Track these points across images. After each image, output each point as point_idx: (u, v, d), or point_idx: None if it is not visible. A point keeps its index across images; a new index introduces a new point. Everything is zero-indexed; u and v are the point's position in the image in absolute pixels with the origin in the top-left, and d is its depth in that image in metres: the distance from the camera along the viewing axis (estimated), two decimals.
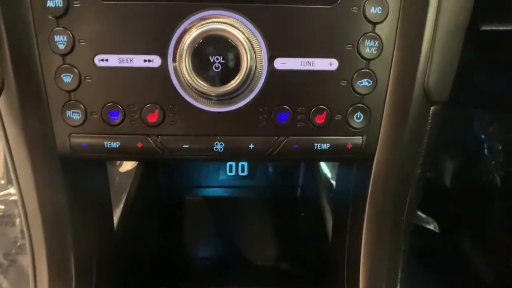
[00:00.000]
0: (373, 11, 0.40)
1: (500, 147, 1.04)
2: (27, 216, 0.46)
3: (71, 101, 0.41)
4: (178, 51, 0.39)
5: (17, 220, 1.06)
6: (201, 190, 0.83)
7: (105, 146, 0.42)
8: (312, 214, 0.75)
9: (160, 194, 0.83)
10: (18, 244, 0.98)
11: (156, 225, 0.81)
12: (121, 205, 0.66)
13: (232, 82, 0.39)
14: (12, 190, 1.14)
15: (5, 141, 0.44)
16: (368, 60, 0.41)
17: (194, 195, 0.83)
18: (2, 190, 1.11)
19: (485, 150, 1.05)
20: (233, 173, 0.84)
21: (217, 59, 0.39)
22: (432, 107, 0.44)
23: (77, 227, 0.48)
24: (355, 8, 0.40)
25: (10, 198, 1.12)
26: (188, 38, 0.38)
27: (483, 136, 1.06)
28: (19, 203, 0.48)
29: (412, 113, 0.43)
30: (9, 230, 1.04)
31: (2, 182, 1.13)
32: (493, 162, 1.04)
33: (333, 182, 0.76)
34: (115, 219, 0.64)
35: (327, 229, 0.68)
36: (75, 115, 0.41)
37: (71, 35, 0.39)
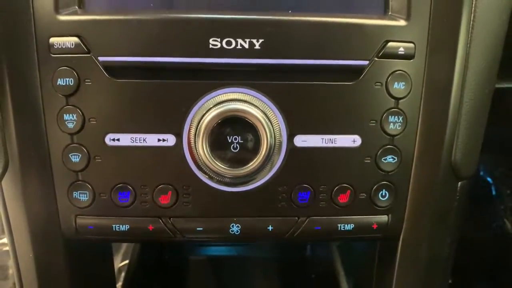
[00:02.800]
0: (396, 86, 0.38)
1: (508, 191, 1.02)
2: None
3: (79, 182, 0.39)
4: (195, 130, 0.37)
5: (10, 272, 1.01)
6: (207, 249, 0.79)
7: (113, 229, 0.39)
8: (324, 276, 0.72)
9: (163, 254, 0.79)
10: None
11: None
12: (123, 274, 0.62)
13: (251, 163, 0.37)
14: (5, 240, 1.09)
15: (5, 219, 0.42)
16: (392, 136, 0.39)
17: (199, 254, 0.79)
18: None
19: (494, 194, 1.03)
20: None
21: (235, 139, 0.37)
22: (459, 183, 0.41)
23: None
24: (378, 83, 0.38)
25: (4, 249, 1.07)
26: (206, 118, 0.37)
27: (490, 180, 1.04)
28: (17, 283, 0.45)
29: (439, 189, 0.41)
30: (1, 284, 0.99)
31: None
32: (502, 207, 1.02)
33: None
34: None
35: None
36: (83, 196, 0.39)
37: (81, 113, 0.37)
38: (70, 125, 0.38)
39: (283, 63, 0.37)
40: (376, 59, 0.38)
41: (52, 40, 0.37)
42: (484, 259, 0.98)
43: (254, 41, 0.37)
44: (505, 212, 1.01)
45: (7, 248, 1.05)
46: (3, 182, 0.40)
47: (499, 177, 1.02)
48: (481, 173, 1.03)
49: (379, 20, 0.38)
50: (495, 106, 0.44)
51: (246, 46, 0.37)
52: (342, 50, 0.37)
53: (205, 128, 0.36)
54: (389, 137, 0.39)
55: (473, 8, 0.38)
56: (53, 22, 0.37)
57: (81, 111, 0.37)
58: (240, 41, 0.37)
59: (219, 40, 0.37)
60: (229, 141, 0.37)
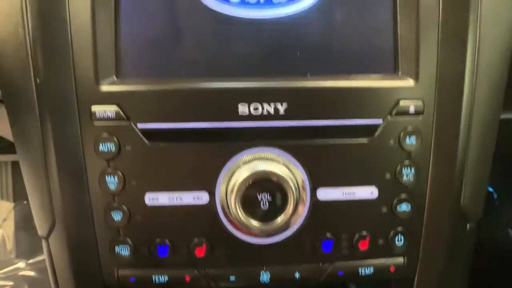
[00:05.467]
0: (408, 141, 0.42)
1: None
2: None
3: (120, 237, 0.42)
4: (226, 188, 0.41)
5: None
6: None
7: (153, 279, 0.43)
8: None
9: None
10: None
11: None
12: None
13: (279, 218, 0.41)
14: (21, 264, 1.12)
15: (52, 272, 0.45)
16: (406, 186, 0.43)
17: None
18: (10, 265, 1.09)
19: (496, 204, 1.05)
20: None
21: (264, 196, 0.40)
22: (468, 224, 0.45)
23: None
24: (391, 139, 0.42)
25: (19, 273, 1.10)
26: (237, 178, 0.40)
27: (490, 189, 1.07)
28: None
29: (449, 232, 0.44)
30: None
31: (12, 255, 1.11)
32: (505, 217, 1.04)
33: None
34: None
35: None
36: (124, 251, 0.42)
37: (122, 176, 0.41)
38: (112, 187, 0.41)
39: (305, 125, 0.41)
40: (389, 117, 0.42)
41: (94, 108, 0.40)
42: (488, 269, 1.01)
43: (279, 105, 0.40)
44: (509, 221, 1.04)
45: (23, 272, 1.08)
46: (50, 239, 0.43)
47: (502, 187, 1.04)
48: None
49: (390, 81, 0.42)
50: None
51: (272, 110, 0.40)
52: (358, 111, 0.41)
53: (237, 188, 0.40)
54: (403, 187, 0.43)
55: (475, 68, 0.42)
56: (94, 92, 0.40)
57: (122, 173, 0.41)
58: (266, 106, 0.40)
59: (246, 105, 0.40)
60: (259, 199, 0.40)
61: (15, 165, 1.06)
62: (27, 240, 1.08)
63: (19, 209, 1.11)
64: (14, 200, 1.14)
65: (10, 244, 1.13)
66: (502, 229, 1.01)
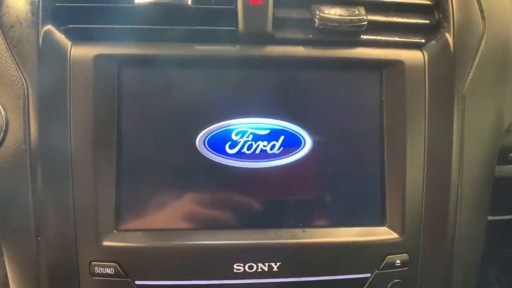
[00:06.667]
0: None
1: None
2: None
3: None
4: None
5: None
6: None
7: None
8: None
9: None
10: None
11: None
12: None
13: None
14: None
15: None
16: None
17: None
18: None
19: None
20: None
21: None
22: None
23: None
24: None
25: None
26: None
27: None
28: None
29: None
30: None
31: None
32: None
33: None
34: None
35: None
36: None
37: None
38: None
39: (298, 281, 0.43)
40: (377, 271, 0.44)
41: (93, 264, 0.41)
42: None
43: (273, 264, 0.42)
44: None
45: None
46: None
47: None
48: None
49: (378, 237, 0.44)
50: None
51: (266, 269, 0.42)
52: (349, 266, 0.44)
53: None
54: None
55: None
56: (94, 249, 0.41)
57: None
58: (260, 265, 0.42)
59: (242, 265, 0.42)
60: None
61: None
62: None
63: None
64: None
65: None
66: None
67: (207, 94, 0.44)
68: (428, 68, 0.44)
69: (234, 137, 0.44)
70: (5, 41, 0.42)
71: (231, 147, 0.44)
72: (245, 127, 0.44)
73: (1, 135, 0.42)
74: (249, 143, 0.44)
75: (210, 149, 0.44)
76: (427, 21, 0.46)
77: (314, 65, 0.45)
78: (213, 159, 0.44)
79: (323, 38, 0.44)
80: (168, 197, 0.43)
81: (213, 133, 0.44)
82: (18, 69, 0.41)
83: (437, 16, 0.46)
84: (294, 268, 0.43)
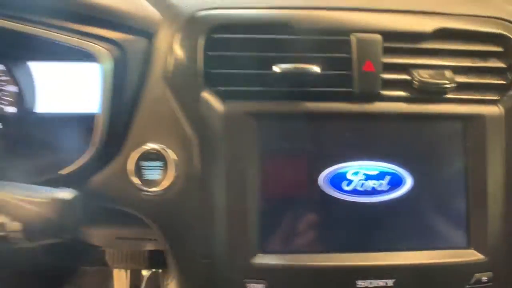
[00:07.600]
0: None
1: None
2: None
3: None
4: None
5: None
6: None
7: None
8: None
9: None
10: None
11: None
12: None
13: None
14: None
15: None
16: None
17: None
18: None
19: None
20: None
21: None
22: None
23: None
24: None
25: None
26: None
27: None
28: None
29: None
30: None
31: None
32: None
33: None
34: None
35: None
36: None
37: None
38: None
39: None
40: (467, 286, 0.54)
41: (246, 282, 0.52)
42: None
43: (389, 281, 0.53)
44: None
45: None
46: None
47: None
48: None
49: (465, 258, 0.55)
50: None
51: (383, 284, 0.53)
52: (443, 284, 0.54)
53: None
54: None
55: None
56: (245, 267, 0.52)
57: None
58: (378, 281, 0.53)
59: (364, 281, 0.52)
60: None
61: None
62: None
63: None
64: None
65: None
66: None
67: (329, 142, 0.54)
68: (506, 119, 0.55)
69: (349, 177, 0.55)
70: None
71: (347, 184, 0.55)
72: (359, 168, 0.55)
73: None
74: (361, 182, 0.55)
75: (331, 186, 0.54)
76: (503, 82, 0.57)
77: (413, 118, 0.55)
78: (333, 195, 0.54)
79: (420, 96, 0.55)
80: (301, 224, 0.54)
81: (333, 174, 0.54)
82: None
83: (510, 77, 0.57)
84: (406, 285, 0.53)
